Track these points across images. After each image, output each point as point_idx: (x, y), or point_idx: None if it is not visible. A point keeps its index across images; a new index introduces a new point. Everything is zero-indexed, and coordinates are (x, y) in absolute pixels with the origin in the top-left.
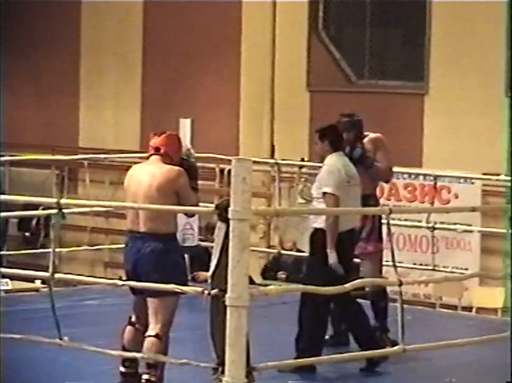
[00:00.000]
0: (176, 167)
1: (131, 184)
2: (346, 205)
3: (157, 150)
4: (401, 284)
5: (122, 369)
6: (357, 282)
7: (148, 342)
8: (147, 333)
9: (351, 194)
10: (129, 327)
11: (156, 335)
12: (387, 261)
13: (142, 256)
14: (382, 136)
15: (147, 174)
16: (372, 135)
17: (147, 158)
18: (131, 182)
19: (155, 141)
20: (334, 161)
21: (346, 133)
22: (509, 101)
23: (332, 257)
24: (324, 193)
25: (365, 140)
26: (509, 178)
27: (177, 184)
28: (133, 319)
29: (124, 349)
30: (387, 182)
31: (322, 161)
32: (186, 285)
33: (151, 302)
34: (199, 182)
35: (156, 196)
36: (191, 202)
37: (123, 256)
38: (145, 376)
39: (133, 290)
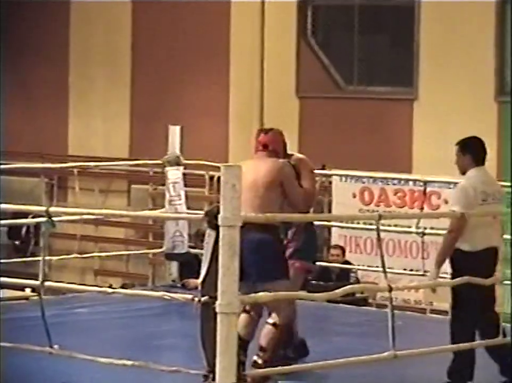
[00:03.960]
0: (281, 160)
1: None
2: (479, 225)
3: (265, 146)
4: (391, 290)
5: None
6: (347, 288)
7: (266, 328)
8: (267, 320)
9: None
10: (243, 315)
11: (274, 324)
12: (377, 267)
13: (248, 244)
14: (306, 158)
15: (254, 169)
16: (297, 155)
17: (254, 152)
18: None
19: (262, 137)
20: (471, 178)
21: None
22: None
23: (432, 274)
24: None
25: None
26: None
27: (281, 175)
28: (247, 307)
29: (239, 336)
30: (306, 210)
31: (463, 175)
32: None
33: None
34: (189, 189)
35: (261, 189)
36: (296, 195)
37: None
38: (254, 357)
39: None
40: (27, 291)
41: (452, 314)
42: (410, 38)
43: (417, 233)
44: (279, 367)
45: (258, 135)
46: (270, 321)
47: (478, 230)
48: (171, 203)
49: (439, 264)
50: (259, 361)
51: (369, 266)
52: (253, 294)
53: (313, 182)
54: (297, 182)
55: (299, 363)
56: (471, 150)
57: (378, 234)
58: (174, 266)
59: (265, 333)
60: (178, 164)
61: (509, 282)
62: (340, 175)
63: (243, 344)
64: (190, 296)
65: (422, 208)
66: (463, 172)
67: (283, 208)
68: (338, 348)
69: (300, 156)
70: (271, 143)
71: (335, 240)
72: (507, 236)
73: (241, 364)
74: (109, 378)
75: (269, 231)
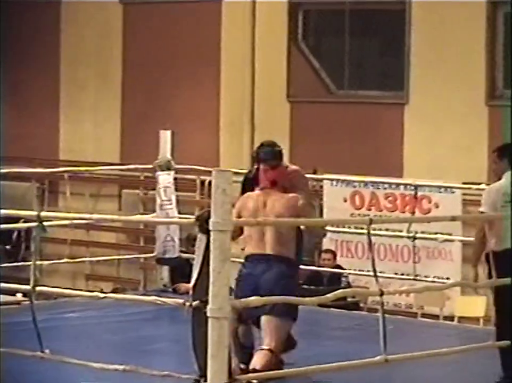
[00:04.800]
0: (293, 195)
1: (248, 212)
2: (502, 225)
3: (273, 183)
4: (382, 294)
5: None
6: (338, 292)
7: (261, 353)
8: (261, 347)
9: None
10: (241, 327)
11: (270, 350)
12: (368, 271)
13: (268, 276)
14: (301, 171)
15: (268, 204)
16: (292, 167)
17: (261, 188)
18: (247, 210)
19: (271, 174)
20: (501, 181)
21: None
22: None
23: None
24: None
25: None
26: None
27: (300, 211)
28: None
29: (242, 345)
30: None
31: (499, 180)
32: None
33: (269, 320)
34: (180, 193)
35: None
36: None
37: (239, 280)
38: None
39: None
40: (19, 295)
41: (496, 316)
42: (401, 42)
43: (408, 237)
44: (271, 372)
45: (266, 170)
46: (265, 347)
47: (503, 230)
48: (162, 208)
49: (474, 263)
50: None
51: (360, 270)
52: (244, 299)
53: (309, 195)
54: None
55: (290, 367)
56: (508, 155)
57: (369, 239)
58: (165, 271)
59: (260, 358)
60: (169, 168)
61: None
62: (331, 180)
63: (247, 350)
64: (181, 301)
65: (413, 212)
66: (499, 177)
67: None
68: (329, 352)
69: (296, 167)
70: (280, 179)
71: (326, 244)
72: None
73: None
74: None
75: (289, 263)
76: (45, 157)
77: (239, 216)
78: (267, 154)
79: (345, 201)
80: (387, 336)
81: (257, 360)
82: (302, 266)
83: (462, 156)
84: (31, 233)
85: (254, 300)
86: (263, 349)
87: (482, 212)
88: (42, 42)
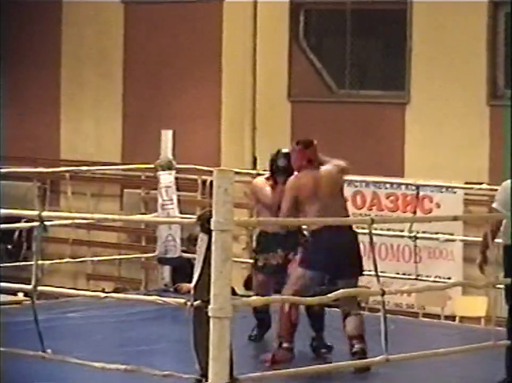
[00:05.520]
0: (329, 166)
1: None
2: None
3: (310, 161)
4: (383, 294)
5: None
6: (340, 292)
7: (355, 319)
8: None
9: None
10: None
11: (358, 314)
12: (369, 271)
13: (343, 244)
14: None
15: (320, 180)
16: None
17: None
18: (307, 189)
19: (306, 153)
20: None
21: None
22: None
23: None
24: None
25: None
26: (490, 187)
27: (342, 179)
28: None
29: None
30: None
31: None
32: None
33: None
34: (181, 193)
35: (334, 196)
36: None
37: (319, 249)
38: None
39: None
40: (20, 295)
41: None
42: (402, 42)
43: (410, 237)
44: (271, 372)
45: (301, 150)
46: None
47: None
48: (163, 207)
49: (480, 252)
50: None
51: None
52: (245, 298)
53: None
54: None
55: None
56: None
57: (371, 238)
58: (166, 271)
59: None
60: (170, 168)
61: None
62: None
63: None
64: (182, 300)
65: (414, 212)
66: None
67: None
68: (331, 352)
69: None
70: (314, 157)
71: None
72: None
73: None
74: (102, 382)
75: (353, 232)
76: (46, 157)
77: (297, 197)
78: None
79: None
80: (388, 336)
81: (354, 328)
82: None
83: (464, 156)
84: (33, 232)
85: (255, 299)
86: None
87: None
88: (43, 42)
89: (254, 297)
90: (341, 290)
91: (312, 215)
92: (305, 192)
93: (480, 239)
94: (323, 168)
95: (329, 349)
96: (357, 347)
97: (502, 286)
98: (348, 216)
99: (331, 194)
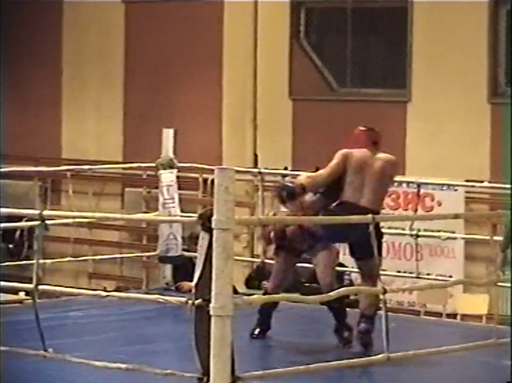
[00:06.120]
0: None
1: (359, 165)
2: None
3: (375, 143)
4: (385, 292)
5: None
6: (341, 290)
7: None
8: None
9: None
10: None
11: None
12: None
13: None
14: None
15: (376, 160)
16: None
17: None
18: (355, 159)
19: (373, 135)
20: None
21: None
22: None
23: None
24: None
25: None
26: (490, 185)
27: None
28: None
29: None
30: None
31: None
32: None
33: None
34: (183, 192)
35: (383, 179)
36: None
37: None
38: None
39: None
40: (21, 294)
41: None
42: (403, 40)
43: (411, 235)
44: (273, 370)
45: (367, 132)
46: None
47: None
48: (164, 206)
49: (501, 251)
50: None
51: None
52: (246, 297)
53: None
54: None
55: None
56: None
57: (372, 236)
58: (168, 269)
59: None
60: (171, 167)
61: (505, 284)
62: None
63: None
64: (184, 299)
65: (416, 210)
66: None
67: None
68: (332, 351)
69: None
70: (380, 141)
71: None
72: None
73: None
74: (104, 381)
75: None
76: (47, 156)
77: (343, 163)
78: None
79: None
80: (390, 334)
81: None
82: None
83: (465, 154)
84: (34, 232)
85: (256, 299)
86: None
87: None
88: (44, 41)
89: (255, 296)
90: (344, 288)
91: (347, 193)
92: (355, 164)
93: (481, 237)
94: (384, 154)
95: (351, 331)
96: (363, 326)
97: (508, 284)
98: (378, 213)
99: (378, 181)
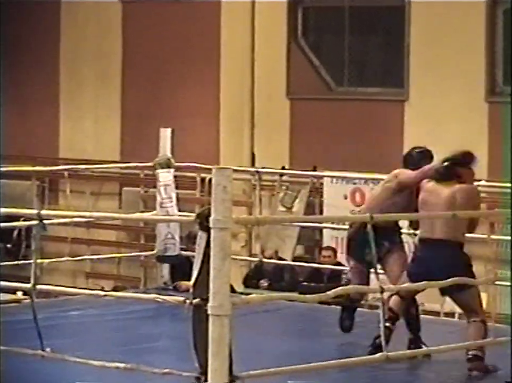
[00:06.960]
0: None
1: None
2: None
3: (459, 176)
4: (382, 291)
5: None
6: (339, 289)
7: (475, 325)
8: (472, 319)
9: None
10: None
11: (482, 321)
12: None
13: (439, 261)
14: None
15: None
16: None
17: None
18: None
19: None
20: None
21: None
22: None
23: None
24: None
25: None
26: (488, 183)
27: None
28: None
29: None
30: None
31: None
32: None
33: (458, 298)
34: (180, 191)
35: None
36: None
37: (416, 262)
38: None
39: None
40: (19, 294)
41: None
42: (401, 39)
43: (409, 234)
44: (271, 369)
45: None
46: (477, 319)
47: None
48: (162, 205)
49: None
50: (480, 354)
51: None
52: (244, 296)
53: None
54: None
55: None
56: None
57: (370, 236)
58: (165, 269)
59: (475, 332)
60: (169, 166)
61: (503, 283)
62: (331, 177)
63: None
64: (182, 298)
65: None
66: None
67: None
68: (330, 350)
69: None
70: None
71: (326, 242)
72: (507, 237)
73: None
74: (102, 381)
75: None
76: (45, 155)
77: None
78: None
79: (345, 198)
80: None
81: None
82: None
83: None
84: (31, 231)
85: (254, 298)
86: (475, 321)
87: None
88: (42, 41)
89: (253, 295)
90: (339, 288)
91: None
92: (427, 196)
93: (478, 236)
94: (468, 187)
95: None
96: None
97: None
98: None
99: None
